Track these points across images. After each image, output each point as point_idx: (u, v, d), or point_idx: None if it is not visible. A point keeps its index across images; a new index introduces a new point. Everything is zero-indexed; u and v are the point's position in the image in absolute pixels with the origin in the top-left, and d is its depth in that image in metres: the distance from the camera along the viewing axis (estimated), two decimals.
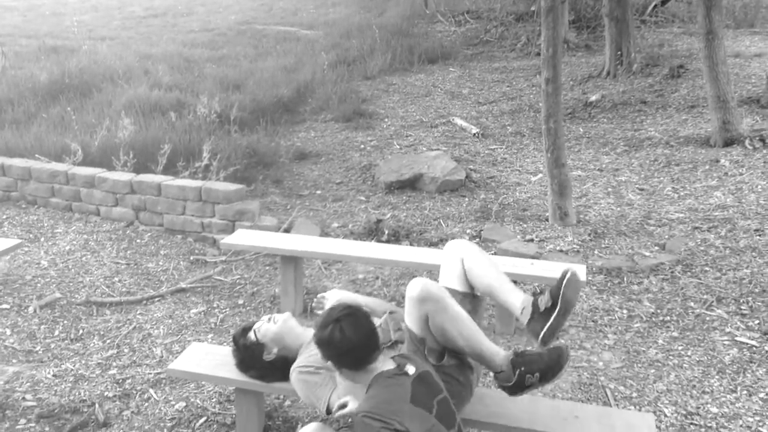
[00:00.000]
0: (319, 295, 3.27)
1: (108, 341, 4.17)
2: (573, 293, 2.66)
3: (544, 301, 2.68)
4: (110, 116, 7.60)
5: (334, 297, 3.20)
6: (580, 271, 3.85)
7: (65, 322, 4.39)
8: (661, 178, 6.40)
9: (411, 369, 2.45)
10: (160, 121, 7.56)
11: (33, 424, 3.41)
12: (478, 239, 5.39)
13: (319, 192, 6.76)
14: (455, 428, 2.42)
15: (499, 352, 2.65)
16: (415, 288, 2.62)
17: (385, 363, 2.51)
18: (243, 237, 4.59)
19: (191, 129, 7.29)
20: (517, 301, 2.78)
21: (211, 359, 3.31)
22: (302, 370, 2.89)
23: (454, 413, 2.48)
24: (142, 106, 8.02)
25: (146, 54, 11.40)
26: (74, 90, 9.04)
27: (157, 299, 4.68)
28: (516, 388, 2.63)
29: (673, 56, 10.20)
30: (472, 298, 2.95)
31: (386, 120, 8.95)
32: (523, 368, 2.59)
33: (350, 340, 2.45)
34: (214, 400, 3.58)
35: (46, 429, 3.38)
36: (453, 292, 2.88)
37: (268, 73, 10.13)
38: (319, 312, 3.21)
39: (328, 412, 2.81)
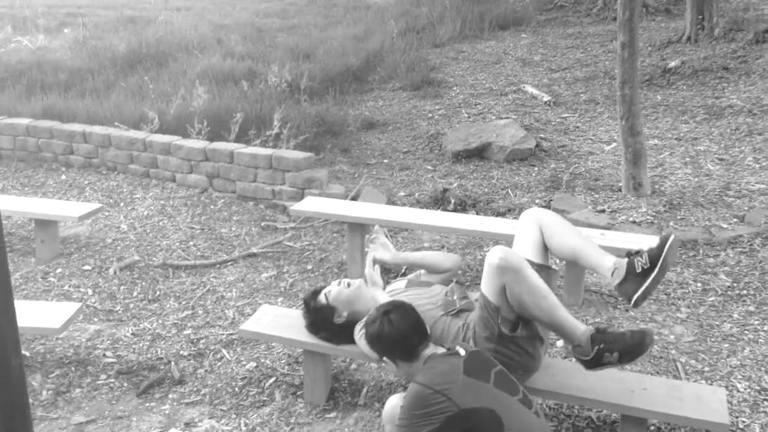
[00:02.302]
0: (377, 227, 3.35)
1: (183, 302, 4.34)
2: (672, 257, 2.62)
3: (641, 263, 2.62)
4: (185, 85, 7.79)
5: (384, 250, 3.32)
6: (653, 242, 3.75)
7: (143, 283, 4.58)
8: (742, 148, 6.13)
9: (461, 351, 2.52)
10: (233, 90, 7.71)
11: (113, 380, 3.59)
12: (547, 209, 5.31)
13: (386, 161, 6.77)
14: (519, 394, 2.42)
15: (578, 326, 2.62)
16: (495, 256, 2.62)
17: (436, 348, 2.60)
18: (312, 204, 4.66)
19: (262, 98, 7.40)
20: (608, 262, 2.74)
21: (280, 321, 3.41)
22: (362, 328, 2.99)
23: (515, 381, 2.50)
24: (216, 76, 8.19)
25: (220, 24, 11.59)
26: (151, 59, 9.30)
27: (229, 263, 4.82)
28: (592, 363, 2.60)
29: (759, 20, 9.66)
30: (546, 270, 2.91)
31: (455, 88, 8.85)
32: (602, 345, 2.55)
33: (399, 330, 2.55)
34: (283, 361, 3.68)
35: (125, 384, 3.56)
36: (529, 263, 2.85)
37: (337, 42, 10.15)
38: (372, 243, 3.37)
39: None
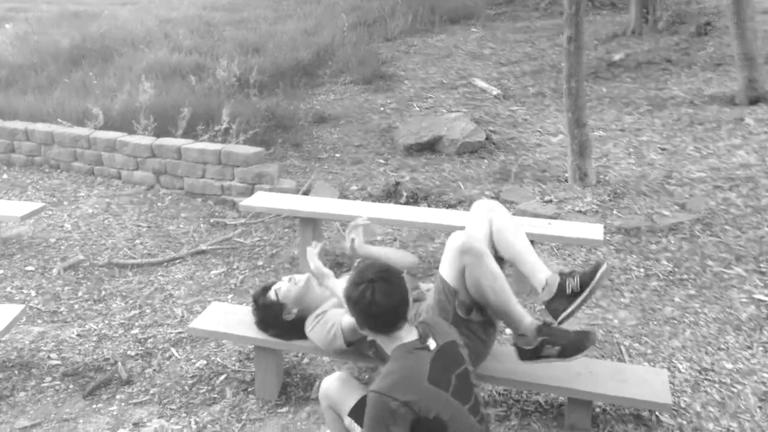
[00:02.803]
0: (353, 222, 3.24)
1: (130, 302, 4.26)
2: (602, 283, 2.75)
3: (572, 285, 2.70)
4: (131, 80, 7.65)
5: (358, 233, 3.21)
6: (598, 232, 3.84)
7: (88, 283, 4.49)
8: (684, 138, 6.30)
9: (432, 344, 2.39)
10: (180, 84, 7.59)
11: (58, 382, 3.51)
12: (496, 201, 5.37)
13: (338, 155, 6.76)
14: (470, 401, 2.40)
15: (526, 316, 2.70)
16: (457, 240, 2.67)
17: (408, 331, 2.43)
18: (262, 199, 4.63)
19: (211, 93, 7.31)
20: (542, 275, 2.80)
21: (230, 318, 3.37)
22: (312, 318, 3.03)
23: (472, 386, 2.46)
24: (163, 70, 8.05)
25: (166, 18, 11.38)
26: (95, 55, 9.09)
27: (178, 261, 4.76)
28: (532, 353, 2.68)
29: (701, 13, 9.95)
30: (496, 260, 2.95)
31: (406, 82, 8.88)
32: (546, 338, 2.64)
33: (379, 305, 2.35)
34: (233, 358, 3.65)
35: (71, 386, 3.48)
36: None
37: (287, 36, 10.08)
38: (353, 226, 3.21)
39: (348, 344, 2.87)
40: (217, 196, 5.73)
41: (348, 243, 3.20)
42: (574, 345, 2.63)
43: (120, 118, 6.61)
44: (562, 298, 2.72)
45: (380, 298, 2.34)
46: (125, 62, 8.70)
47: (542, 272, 2.82)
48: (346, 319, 2.82)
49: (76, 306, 4.23)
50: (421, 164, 6.42)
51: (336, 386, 2.62)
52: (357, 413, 2.48)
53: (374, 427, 2.27)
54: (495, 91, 8.22)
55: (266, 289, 3.21)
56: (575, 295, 2.69)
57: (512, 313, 2.69)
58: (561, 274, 2.78)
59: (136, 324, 4.02)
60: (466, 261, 2.64)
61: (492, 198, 5.43)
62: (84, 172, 6.31)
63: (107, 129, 6.45)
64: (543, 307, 2.81)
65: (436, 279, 2.80)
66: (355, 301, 2.40)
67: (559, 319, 2.70)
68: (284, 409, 3.24)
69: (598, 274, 2.68)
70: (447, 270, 2.71)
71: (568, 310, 2.69)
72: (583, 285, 2.69)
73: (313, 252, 3.09)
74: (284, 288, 3.14)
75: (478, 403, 2.45)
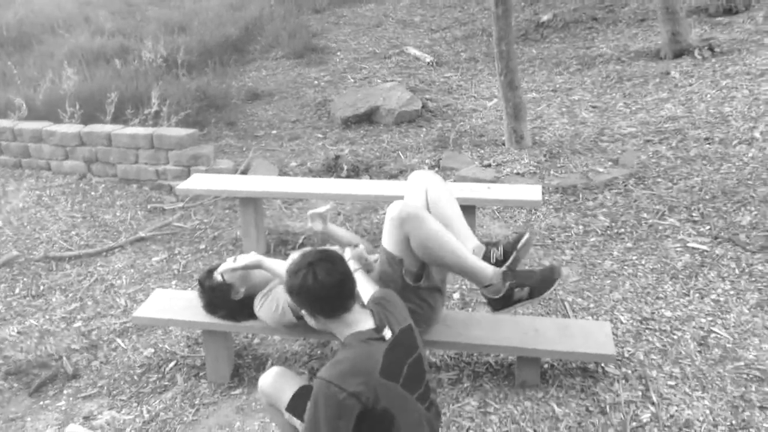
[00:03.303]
0: (313, 211, 3.23)
1: (70, 295, 4.15)
2: (525, 252, 2.76)
3: (495, 254, 2.75)
4: (53, 68, 7.36)
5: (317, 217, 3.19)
6: (537, 193, 3.90)
7: (25, 279, 4.34)
8: (614, 95, 6.45)
9: (388, 333, 2.32)
10: (105, 69, 7.35)
11: (1, 382, 3.40)
12: (437, 168, 5.41)
13: (274, 132, 6.68)
14: (421, 389, 2.36)
15: (487, 266, 2.70)
16: (395, 209, 2.66)
17: (363, 315, 2.36)
18: (199, 182, 4.54)
19: (138, 75, 7.10)
20: (469, 245, 2.84)
21: (176, 304, 3.32)
22: (260, 297, 3.02)
23: (424, 372, 2.41)
24: (86, 55, 7.78)
25: (86, 1, 10.96)
26: (13, 43, 8.72)
27: (116, 250, 4.64)
28: (503, 301, 2.68)
29: None
30: None
31: (338, 54, 8.80)
32: (513, 281, 2.64)
33: (323, 285, 2.28)
34: (182, 344, 3.60)
35: (15, 385, 3.38)
36: None
37: (213, 13, 9.85)
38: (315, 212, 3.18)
39: (298, 318, 2.85)
40: (153, 181, 5.59)
41: (315, 228, 3.19)
42: (543, 282, 2.64)
43: (45, 108, 6.37)
44: (505, 299, 2.73)
45: (323, 277, 2.28)
46: (46, 49, 8.38)
47: (470, 243, 2.85)
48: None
49: (14, 303, 4.09)
50: (360, 136, 6.40)
51: (270, 381, 2.52)
52: (295, 407, 2.41)
53: (317, 414, 2.16)
54: (428, 59, 8.22)
55: (211, 271, 3.15)
56: (499, 263, 2.74)
57: (471, 266, 2.68)
58: (487, 244, 2.82)
59: (78, 317, 3.92)
60: (408, 228, 2.64)
61: (432, 166, 5.47)
62: (11, 165, 6.07)
63: (32, 119, 6.21)
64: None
65: (381, 252, 2.80)
66: (298, 288, 2.31)
67: (483, 287, 2.73)
68: (238, 391, 3.22)
69: (520, 244, 2.73)
70: (389, 240, 2.72)
71: None
72: (507, 254, 2.74)
73: (229, 265, 3.04)
74: (229, 265, 3.10)
75: (428, 390, 2.40)
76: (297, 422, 2.41)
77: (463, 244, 2.82)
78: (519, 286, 2.65)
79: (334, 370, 2.18)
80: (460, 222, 2.93)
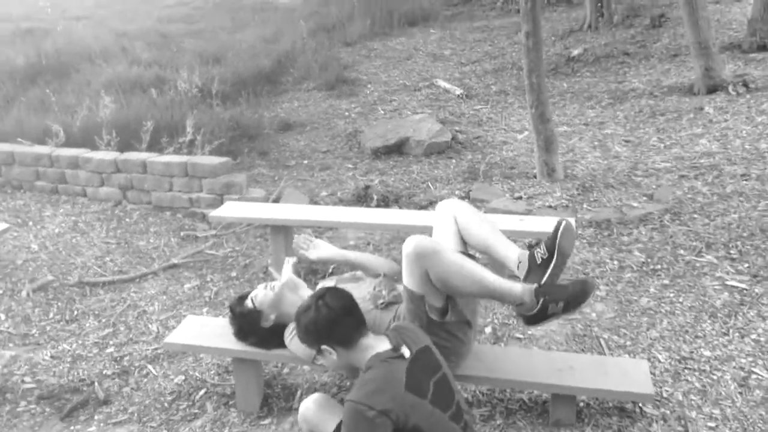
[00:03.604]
0: (303, 236, 3.26)
1: (103, 320, 4.17)
2: (568, 242, 2.64)
3: (540, 253, 2.66)
4: (90, 96, 7.52)
5: (321, 246, 3.22)
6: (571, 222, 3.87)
7: (59, 304, 4.38)
8: (647, 129, 6.40)
9: (407, 352, 2.37)
10: (141, 98, 7.49)
11: (33, 406, 3.42)
12: (467, 200, 5.40)
13: (305, 162, 6.73)
14: (453, 408, 2.38)
15: (515, 285, 2.61)
16: (409, 245, 2.60)
17: (379, 340, 2.43)
18: (231, 209, 4.57)
19: (173, 105, 7.23)
20: (514, 255, 2.76)
21: (207, 331, 3.32)
22: (291, 331, 2.97)
23: (452, 392, 2.45)
24: (122, 84, 7.94)
25: (122, 32, 11.25)
26: (52, 72, 8.93)
27: (150, 276, 4.68)
28: (538, 317, 2.59)
29: (654, 5, 10.14)
30: (467, 257, 2.95)
31: (369, 86, 8.89)
32: (547, 297, 2.55)
33: (335, 310, 2.40)
34: (212, 371, 3.59)
35: (47, 409, 3.40)
36: None
37: (247, 45, 10.03)
38: (302, 250, 3.23)
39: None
40: (186, 209, 5.65)
41: (286, 274, 3.20)
42: (576, 296, 2.54)
43: (81, 135, 6.49)
44: (535, 271, 2.66)
45: (333, 303, 2.42)
46: (83, 78, 8.57)
47: (514, 251, 2.78)
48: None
49: (48, 327, 4.13)
50: (390, 167, 6.42)
51: (314, 409, 2.54)
52: None
53: None
54: (458, 91, 8.26)
55: (242, 298, 3.17)
56: (546, 262, 2.64)
57: (498, 289, 2.61)
58: (529, 247, 2.74)
59: (111, 342, 3.94)
60: (426, 264, 2.58)
61: (462, 197, 5.45)
62: (48, 191, 6.18)
63: (69, 146, 6.33)
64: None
65: (403, 289, 2.77)
66: (313, 323, 2.41)
67: (515, 308, 2.64)
68: (267, 421, 3.20)
69: (559, 234, 2.62)
70: (408, 278, 2.66)
71: (544, 279, 2.62)
72: (550, 250, 2.64)
73: (288, 264, 3.09)
74: (260, 295, 3.10)
75: (461, 410, 2.41)
76: None
77: (506, 255, 2.77)
78: (553, 301, 2.55)
79: (361, 392, 2.24)
80: (496, 236, 2.87)
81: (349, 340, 2.40)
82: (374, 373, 2.30)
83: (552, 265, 2.63)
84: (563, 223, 2.66)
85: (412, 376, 2.30)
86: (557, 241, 2.63)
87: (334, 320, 2.39)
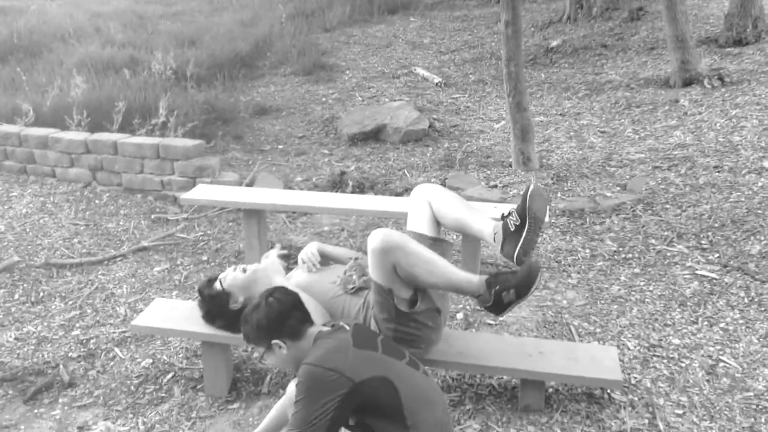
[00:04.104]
0: (310, 251, 3.20)
1: (70, 302, 4.10)
2: (539, 206, 2.63)
3: (512, 221, 2.65)
4: (62, 76, 7.37)
5: (313, 247, 3.19)
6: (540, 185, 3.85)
7: (25, 285, 4.30)
8: (622, 121, 6.43)
9: (345, 325, 2.48)
10: (114, 79, 7.36)
11: None
12: (431, 183, 5.37)
13: (281, 147, 6.66)
14: (406, 358, 2.45)
15: (472, 278, 2.62)
16: (375, 239, 2.58)
17: (320, 327, 2.55)
18: (204, 192, 4.51)
19: (146, 86, 7.10)
20: (488, 228, 2.76)
21: (176, 314, 3.28)
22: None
23: (399, 347, 2.54)
24: (95, 65, 7.79)
25: (97, 12, 11.04)
26: (24, 51, 8.76)
27: (118, 259, 4.60)
28: (496, 307, 2.61)
29: None
30: (440, 243, 2.93)
31: (347, 72, 8.82)
32: (498, 287, 2.56)
33: (285, 304, 2.47)
34: (181, 355, 3.55)
35: (10, 392, 3.33)
36: (422, 237, 2.86)
37: (224, 28, 9.89)
38: (312, 270, 3.16)
39: None
40: (158, 192, 5.56)
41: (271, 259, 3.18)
42: (525, 280, 2.55)
43: (52, 114, 6.36)
44: (510, 239, 2.66)
45: (282, 299, 2.49)
46: (55, 57, 8.40)
47: (488, 225, 2.78)
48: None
49: (13, 309, 4.05)
50: (366, 153, 6.38)
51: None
52: None
53: (306, 399, 2.26)
54: (436, 80, 8.23)
55: (212, 280, 3.12)
56: (519, 229, 2.63)
57: (458, 282, 2.63)
58: (502, 217, 2.72)
59: (77, 325, 3.87)
60: (393, 258, 2.56)
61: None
62: (16, 171, 6.05)
63: (39, 126, 6.19)
64: (502, 256, 2.74)
65: (371, 280, 2.74)
66: (264, 318, 2.44)
67: (514, 258, 2.63)
68: (235, 405, 3.16)
69: (528, 198, 2.61)
70: (375, 272, 2.65)
71: (518, 247, 2.62)
72: (522, 216, 2.63)
73: (276, 249, 3.09)
74: (230, 277, 3.06)
75: (414, 360, 2.50)
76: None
77: (480, 229, 2.79)
78: (504, 290, 2.56)
79: (313, 356, 2.33)
80: (470, 213, 2.87)
81: (298, 333, 2.46)
82: (322, 342, 2.39)
83: (525, 231, 2.62)
84: (531, 187, 2.65)
85: (357, 336, 2.41)
86: (527, 205, 2.62)
87: (284, 313, 2.45)
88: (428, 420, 2.33)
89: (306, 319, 2.50)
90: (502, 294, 2.56)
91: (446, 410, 2.50)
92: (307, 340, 2.45)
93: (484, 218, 2.83)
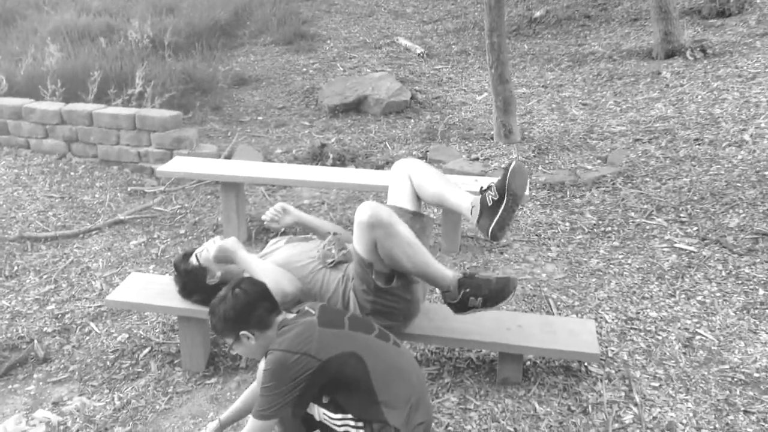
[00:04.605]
0: (276, 206, 3.16)
1: (45, 276, 4.04)
2: (519, 183, 2.60)
3: (490, 195, 2.63)
4: (36, 44, 7.20)
5: (290, 211, 3.16)
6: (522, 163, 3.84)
7: None
8: (604, 93, 6.40)
9: (311, 309, 2.45)
10: (90, 47, 7.20)
11: None
12: (424, 160, 5.33)
13: (260, 118, 6.58)
14: (375, 330, 2.44)
15: (447, 272, 2.63)
16: (364, 213, 2.55)
17: (287, 314, 2.52)
18: (181, 164, 4.44)
19: (123, 55, 6.96)
20: (466, 202, 2.74)
21: (152, 288, 3.23)
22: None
23: (368, 321, 2.54)
24: (70, 33, 7.61)
25: None
26: None
27: (94, 232, 4.53)
28: (459, 307, 2.63)
29: None
30: (420, 218, 2.91)
31: (329, 42, 8.70)
32: (468, 290, 2.58)
33: (253, 295, 2.44)
34: (157, 330, 3.51)
35: None
36: (402, 211, 2.83)
37: None
38: (275, 223, 3.14)
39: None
40: (134, 164, 5.47)
41: (286, 222, 3.15)
42: (496, 294, 2.56)
43: (26, 84, 6.21)
44: (487, 213, 2.64)
45: (249, 289, 2.45)
46: (29, 25, 8.20)
47: (466, 199, 2.75)
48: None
49: None
50: (347, 125, 6.31)
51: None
52: None
53: (272, 384, 2.27)
54: (419, 50, 8.14)
55: (187, 255, 3.07)
56: (497, 204, 2.61)
57: (432, 274, 2.62)
58: (481, 191, 2.70)
59: (52, 299, 3.81)
60: (376, 234, 2.54)
61: (420, 158, 5.39)
62: None
63: (12, 95, 6.05)
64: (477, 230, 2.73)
65: (352, 250, 2.73)
66: (231, 308, 2.40)
67: (489, 232, 2.62)
68: (213, 380, 3.15)
69: (508, 174, 2.58)
70: (359, 244, 2.63)
71: (494, 222, 2.60)
72: (500, 191, 2.60)
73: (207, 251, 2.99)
74: (205, 252, 3.02)
75: (384, 332, 2.48)
76: None
77: (458, 203, 2.76)
78: (473, 295, 2.57)
79: (280, 343, 2.31)
80: (449, 188, 2.84)
81: (266, 323, 2.43)
82: (288, 328, 2.36)
83: (502, 206, 2.60)
84: (513, 163, 2.62)
85: (323, 317, 2.39)
86: (506, 182, 2.59)
87: (252, 303, 2.42)
88: (400, 395, 2.32)
89: (273, 309, 2.47)
90: (470, 298, 2.58)
91: (422, 378, 2.50)
92: (274, 328, 2.43)
93: (462, 192, 2.81)
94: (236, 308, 2.41)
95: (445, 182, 2.88)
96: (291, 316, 2.47)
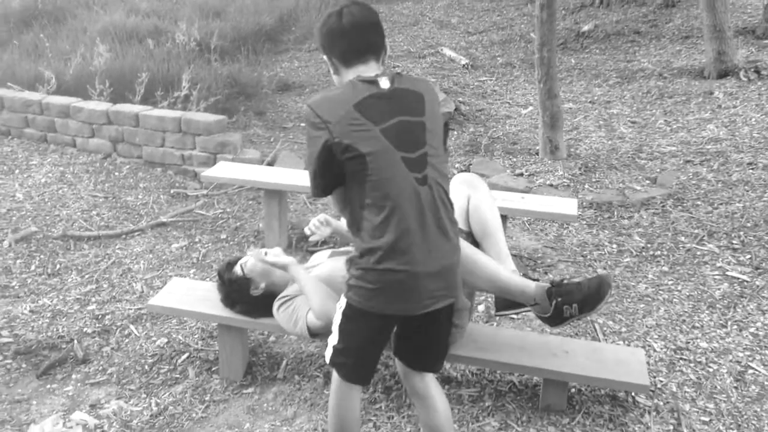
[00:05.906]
0: (319, 217, 3.08)
1: (86, 276, 4.06)
2: (599, 306, 2.46)
3: (570, 311, 2.46)
4: (85, 43, 7.31)
5: (332, 222, 3.08)
6: (572, 207, 3.75)
7: (42, 256, 4.26)
8: (654, 111, 6.26)
9: (385, 83, 2.15)
10: (137, 48, 7.28)
11: (9, 361, 3.32)
12: (478, 176, 5.26)
13: (303, 124, 6.57)
14: (414, 153, 2.13)
15: (529, 284, 2.50)
16: None
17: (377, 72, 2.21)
18: (225, 170, 4.44)
19: (170, 57, 7.02)
20: (528, 288, 2.53)
21: (193, 294, 3.21)
22: (281, 301, 2.85)
23: (424, 143, 2.18)
24: (119, 33, 7.71)
25: None
26: (48, 16, 8.68)
27: (136, 233, 4.55)
28: (554, 320, 2.50)
29: None
30: (471, 237, 2.82)
31: None
32: (560, 299, 2.44)
33: (351, 19, 2.16)
34: (196, 336, 3.50)
35: (23, 365, 3.30)
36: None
37: (249, 0, 9.76)
38: (316, 235, 3.04)
39: (312, 334, 2.73)
40: (178, 166, 5.50)
41: (324, 234, 3.04)
42: (591, 296, 2.41)
43: (74, 83, 6.31)
44: (557, 318, 2.49)
45: (355, 11, 2.17)
46: (79, 24, 8.33)
47: (507, 263, 2.64)
48: (311, 316, 2.68)
49: (29, 280, 4.01)
50: None
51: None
52: None
53: (306, 134, 2.18)
54: (463, 61, 8.08)
55: (231, 264, 3.05)
56: (572, 316, 2.46)
57: (509, 286, 2.50)
58: (552, 284, 2.50)
59: (93, 300, 3.83)
60: None
61: (462, 171, 5.33)
62: (36, 139, 6.01)
63: (61, 94, 6.14)
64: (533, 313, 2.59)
65: None
66: (322, 25, 2.20)
67: (551, 330, 2.52)
68: (250, 390, 3.11)
69: (602, 303, 2.41)
70: None
71: (561, 326, 2.51)
72: (582, 310, 2.43)
73: (266, 253, 2.92)
74: (251, 262, 2.99)
75: (425, 161, 2.13)
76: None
77: (522, 291, 2.56)
78: (567, 303, 2.43)
79: (315, 97, 2.17)
80: (499, 236, 2.73)
81: (348, 60, 2.19)
82: (334, 88, 2.21)
83: (575, 318, 2.48)
84: (608, 292, 2.43)
85: (370, 101, 2.11)
86: (595, 309, 2.44)
87: (344, 30, 2.17)
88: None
89: (365, 52, 2.19)
90: (564, 307, 2.44)
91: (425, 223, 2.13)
92: (350, 75, 2.20)
93: (507, 254, 2.69)
94: (324, 30, 2.21)
95: (498, 224, 2.75)
96: (365, 75, 2.18)
